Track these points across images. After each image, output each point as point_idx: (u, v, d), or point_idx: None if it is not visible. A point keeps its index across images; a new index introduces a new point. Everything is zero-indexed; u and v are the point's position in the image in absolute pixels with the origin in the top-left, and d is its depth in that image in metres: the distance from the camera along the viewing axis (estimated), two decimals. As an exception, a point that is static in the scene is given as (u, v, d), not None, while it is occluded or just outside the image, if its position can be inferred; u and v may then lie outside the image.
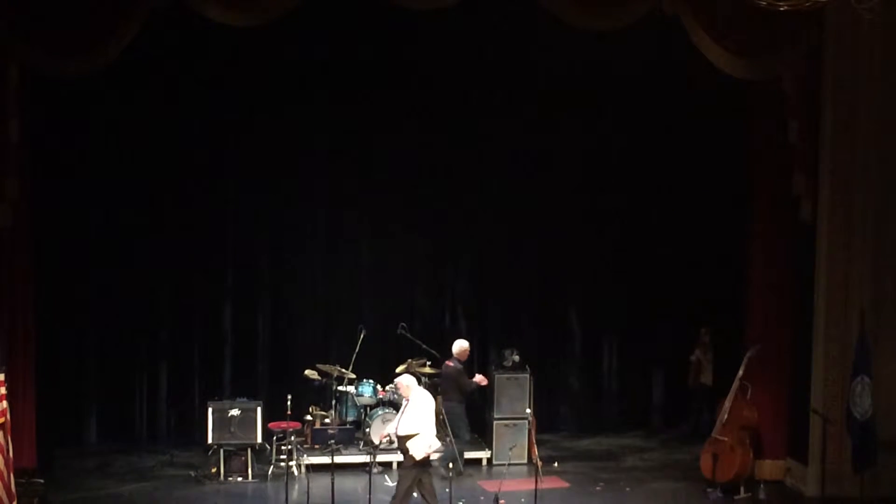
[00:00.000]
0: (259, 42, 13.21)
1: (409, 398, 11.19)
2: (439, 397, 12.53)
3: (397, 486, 11.19)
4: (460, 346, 13.66)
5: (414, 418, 10.98)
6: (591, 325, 15.82)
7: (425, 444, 10.85)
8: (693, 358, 15.14)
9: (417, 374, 14.10)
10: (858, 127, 12.29)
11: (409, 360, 14.13)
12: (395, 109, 14.62)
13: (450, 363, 13.59)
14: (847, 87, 12.25)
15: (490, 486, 12.72)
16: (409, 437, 10.93)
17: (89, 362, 14.56)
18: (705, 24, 11.93)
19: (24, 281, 12.21)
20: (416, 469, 10.94)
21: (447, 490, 11.57)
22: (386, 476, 13.17)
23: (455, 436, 13.28)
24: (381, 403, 13.92)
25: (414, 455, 10.85)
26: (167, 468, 13.58)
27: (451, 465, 12.23)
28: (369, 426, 13.55)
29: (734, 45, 12.01)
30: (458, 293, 15.72)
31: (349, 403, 14.11)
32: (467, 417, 13.71)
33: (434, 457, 11.66)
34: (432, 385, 14.19)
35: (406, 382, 11.35)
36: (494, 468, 13.66)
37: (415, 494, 11.10)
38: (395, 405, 13.87)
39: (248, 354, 15.08)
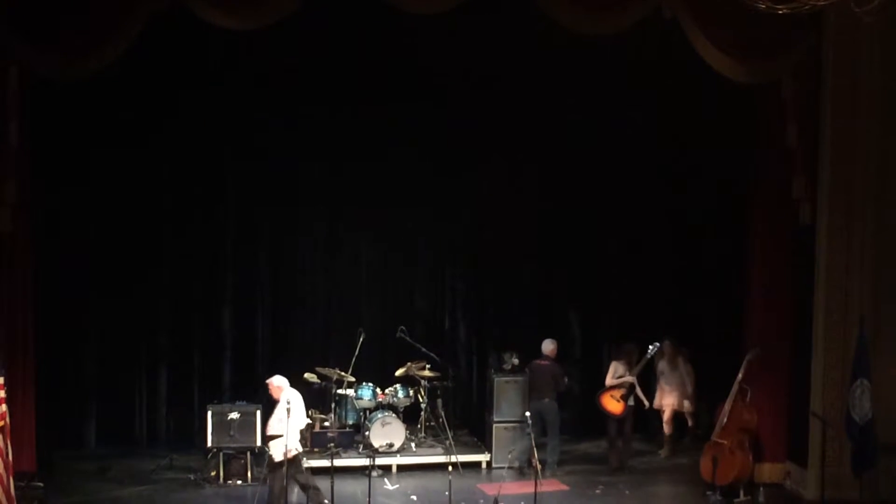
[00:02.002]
0: (259, 46, 13.23)
1: (280, 399, 11.36)
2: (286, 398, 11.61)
3: (270, 488, 11.33)
4: (552, 344, 13.87)
5: (281, 419, 11.20)
6: (591, 328, 15.82)
7: (283, 446, 11.09)
8: (630, 379, 13.81)
9: (417, 377, 14.17)
10: (858, 130, 12.31)
11: (409, 364, 14.17)
12: (395, 112, 14.63)
13: (542, 362, 13.72)
14: (846, 90, 12.27)
15: (489, 489, 12.71)
16: (274, 437, 11.21)
17: (89, 366, 14.54)
18: (704, 27, 11.95)
19: (23, 285, 12.19)
20: (284, 468, 11.12)
21: (447, 493, 11.59)
22: (386, 479, 13.18)
23: (553, 434, 13.66)
24: (381, 407, 13.92)
25: (273, 455, 11.16)
26: (166, 471, 13.55)
27: (530, 460, 12.76)
28: (369, 429, 13.53)
29: (733, 48, 12.02)
30: (458, 296, 15.75)
31: (349, 407, 14.13)
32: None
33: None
34: (432, 389, 14.24)
35: (277, 383, 11.50)
36: (494, 471, 13.66)
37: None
38: (395, 408, 13.90)
39: (247, 358, 15.08)
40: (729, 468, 12.64)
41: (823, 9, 8.61)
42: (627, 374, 13.81)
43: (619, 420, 13.86)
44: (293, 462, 11.29)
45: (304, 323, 15.25)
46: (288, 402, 11.18)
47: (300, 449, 11.40)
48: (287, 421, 11.16)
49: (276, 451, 11.16)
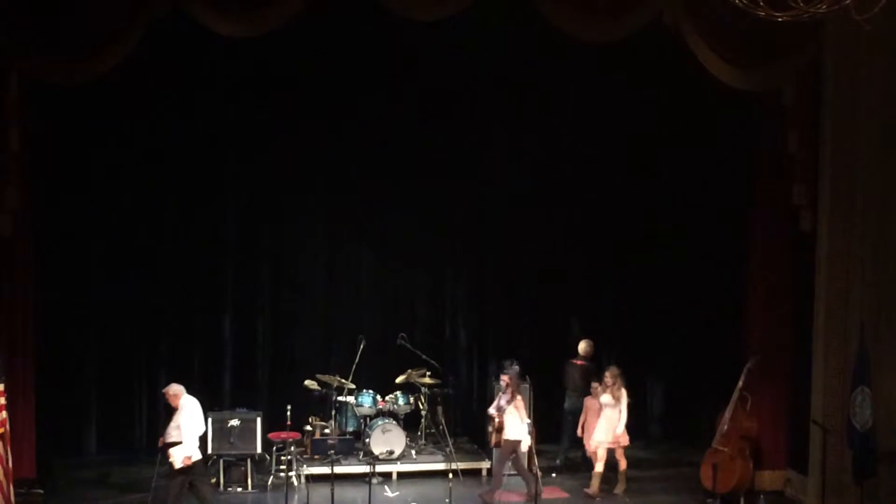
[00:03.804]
0: (259, 51, 13.23)
1: (179, 406, 11.39)
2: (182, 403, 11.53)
3: (168, 493, 11.34)
4: (587, 344, 14.18)
5: (178, 426, 11.26)
6: (592, 335, 15.78)
7: (184, 453, 11.15)
8: (494, 412, 12.74)
9: (418, 384, 14.16)
10: (858, 137, 12.31)
11: (409, 371, 14.17)
12: (395, 120, 14.64)
13: (578, 361, 14.00)
14: (846, 97, 12.28)
15: (490, 497, 12.70)
16: (173, 444, 11.26)
17: (89, 372, 14.55)
18: (705, 35, 11.96)
19: (24, 291, 12.20)
20: (184, 475, 11.19)
21: (447, 500, 11.58)
22: (386, 487, 13.17)
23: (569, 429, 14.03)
24: (381, 414, 13.92)
25: (174, 463, 11.17)
26: (166, 479, 13.52)
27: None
28: (369, 436, 13.53)
29: (734, 56, 12.04)
30: (459, 303, 15.75)
31: (349, 414, 14.13)
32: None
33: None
34: (433, 396, 14.23)
35: (174, 391, 11.51)
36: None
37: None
38: (395, 415, 13.90)
39: (248, 365, 15.08)
40: (729, 475, 12.64)
41: (823, 16, 8.61)
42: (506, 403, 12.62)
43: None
44: (193, 469, 11.30)
45: (305, 330, 15.25)
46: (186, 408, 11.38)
47: (199, 456, 11.37)
48: (185, 428, 11.24)
49: (177, 458, 11.18)
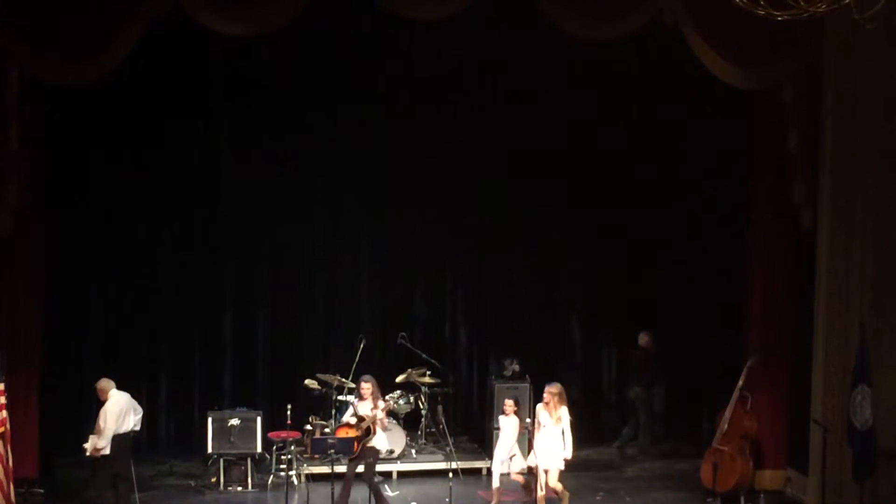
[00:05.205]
0: (258, 51, 13.30)
1: (107, 400, 11.60)
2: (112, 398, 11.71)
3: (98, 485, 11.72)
4: (645, 335, 14.83)
5: (102, 418, 11.52)
6: (592, 334, 15.81)
7: (96, 443, 11.45)
8: (371, 414, 12.07)
9: (418, 383, 14.15)
10: (858, 135, 12.29)
11: (409, 370, 14.16)
12: (395, 117, 14.64)
13: (637, 352, 14.66)
14: (847, 95, 12.26)
15: (489, 496, 12.70)
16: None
17: (90, 371, 14.49)
18: (705, 33, 11.95)
19: (25, 289, 12.21)
20: (109, 462, 11.53)
21: (447, 500, 11.59)
22: (386, 486, 13.17)
23: (643, 419, 14.95)
24: (382, 413, 13.90)
25: (86, 448, 11.53)
26: (166, 477, 13.58)
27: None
28: (369, 436, 13.53)
29: (734, 54, 12.03)
30: (459, 302, 15.74)
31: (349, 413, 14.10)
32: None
33: None
34: (433, 396, 14.23)
35: (101, 386, 11.71)
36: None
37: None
38: (395, 415, 13.89)
39: (247, 364, 15.07)
40: (729, 475, 12.63)
41: (824, 15, 8.61)
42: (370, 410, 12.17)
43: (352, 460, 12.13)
44: (105, 461, 11.50)
45: (305, 329, 15.24)
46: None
47: (108, 452, 11.49)
48: (103, 420, 11.43)
49: (89, 446, 11.49)
